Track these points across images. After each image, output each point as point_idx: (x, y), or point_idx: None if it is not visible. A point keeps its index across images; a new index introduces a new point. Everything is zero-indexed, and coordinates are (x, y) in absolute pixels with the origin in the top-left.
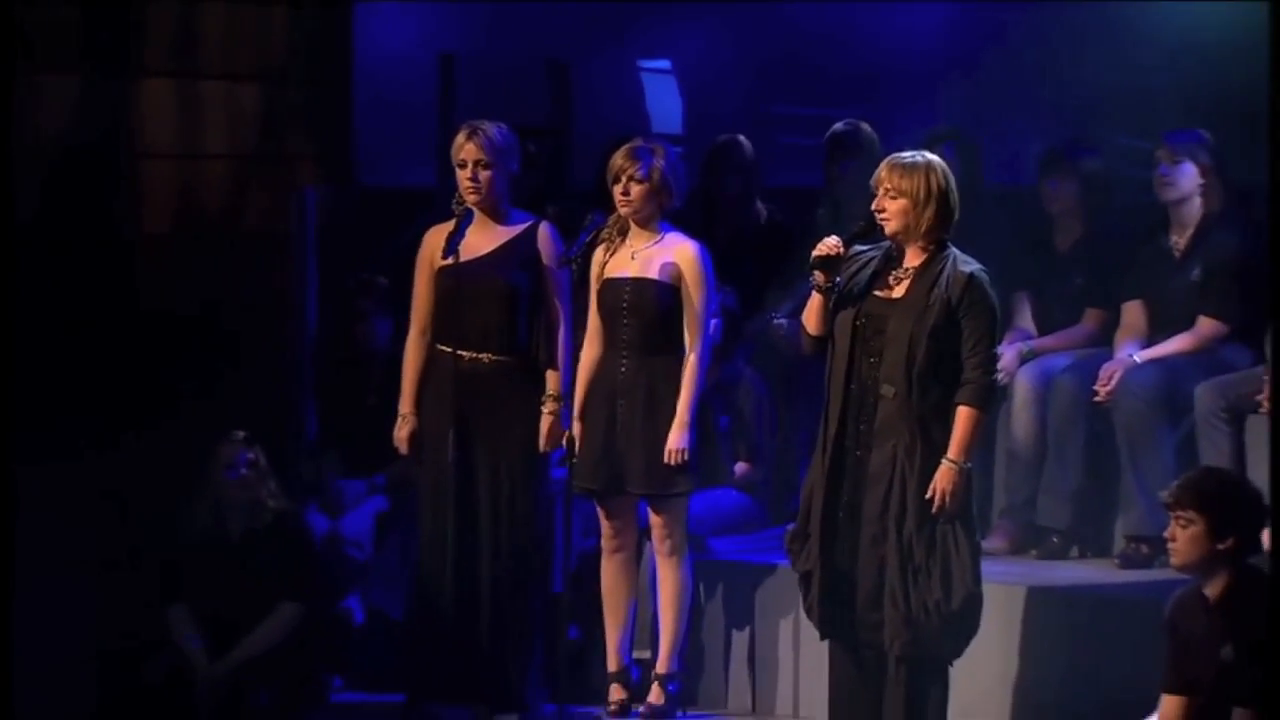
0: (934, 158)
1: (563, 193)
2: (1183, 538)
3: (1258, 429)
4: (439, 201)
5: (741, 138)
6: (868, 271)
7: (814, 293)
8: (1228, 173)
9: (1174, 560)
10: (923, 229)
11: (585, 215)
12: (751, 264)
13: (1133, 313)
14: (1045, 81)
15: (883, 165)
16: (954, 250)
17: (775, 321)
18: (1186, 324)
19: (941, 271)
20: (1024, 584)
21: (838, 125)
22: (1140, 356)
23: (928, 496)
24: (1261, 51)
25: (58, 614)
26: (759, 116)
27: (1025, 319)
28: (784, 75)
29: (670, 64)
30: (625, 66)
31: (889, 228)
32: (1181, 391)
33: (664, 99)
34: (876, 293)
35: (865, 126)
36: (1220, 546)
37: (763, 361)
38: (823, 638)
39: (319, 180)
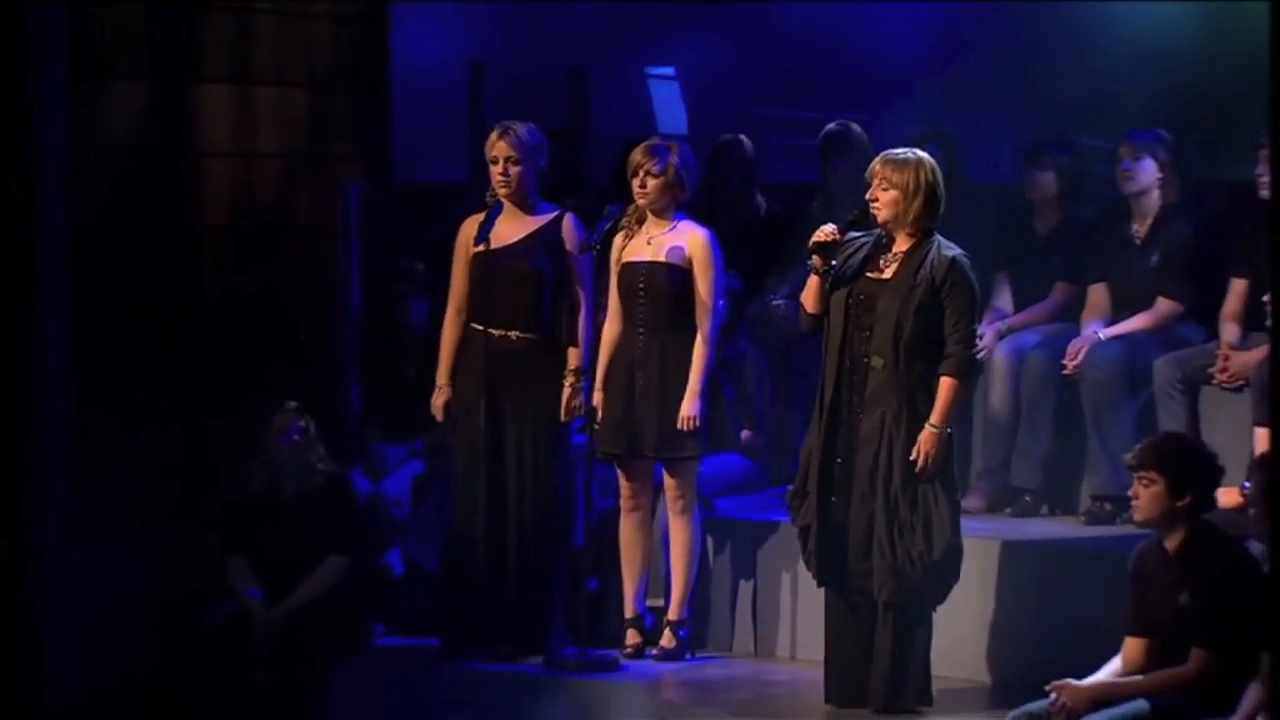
0: (924, 155)
1: (580, 188)
2: (1145, 496)
3: (1210, 398)
4: (469, 195)
5: (743, 137)
6: (860, 255)
7: (812, 274)
8: (1183, 168)
9: (1137, 516)
10: (911, 217)
11: (602, 208)
12: (752, 252)
13: (1098, 294)
14: (1016, 86)
15: (877, 160)
16: (939, 237)
17: (774, 303)
18: (1146, 304)
19: (927, 256)
20: (999, 539)
21: (830, 126)
22: (1104, 334)
23: (912, 458)
24: (1216, 56)
25: (127, 566)
26: (754, 118)
27: (1004, 299)
28: (777, 81)
29: (674, 70)
30: (634, 73)
31: (881, 216)
32: (1141, 365)
33: (669, 102)
34: (868, 274)
35: (855, 127)
36: (1179, 503)
37: (764, 339)
38: (819, 585)
39: (361, 177)
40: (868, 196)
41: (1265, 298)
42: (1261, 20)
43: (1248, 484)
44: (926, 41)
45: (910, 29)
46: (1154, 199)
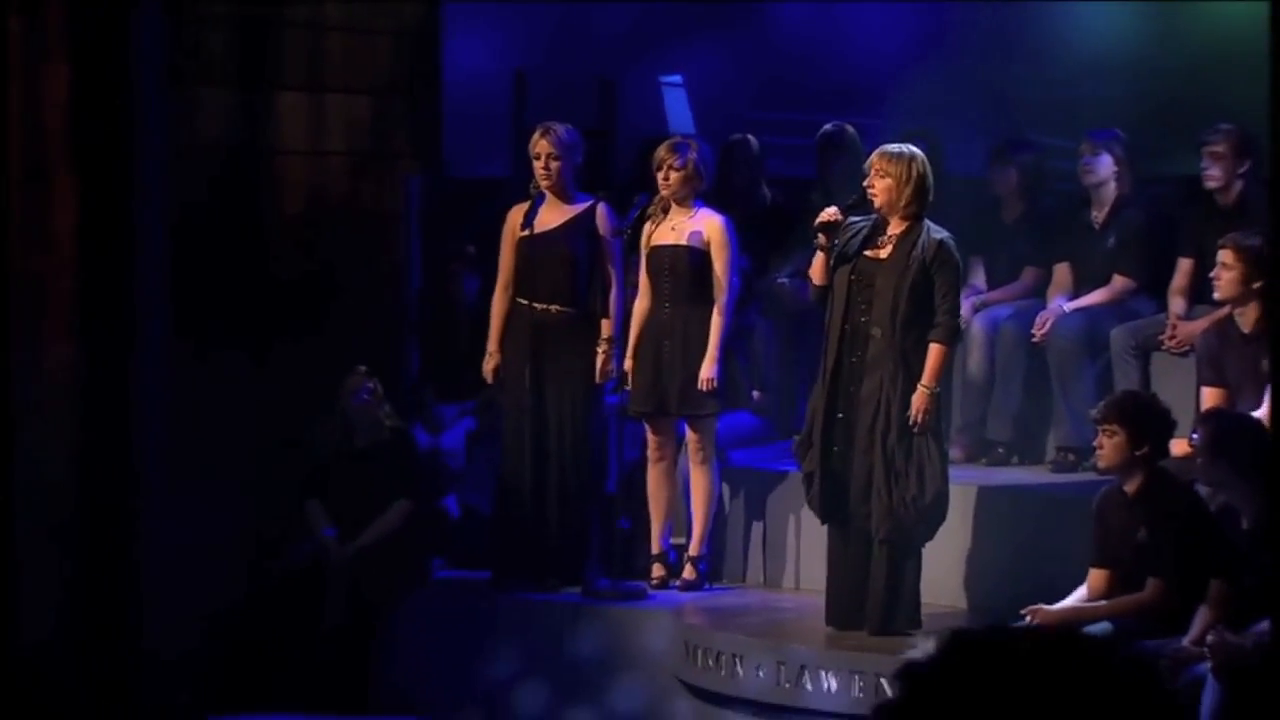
0: (916, 149)
1: (609, 181)
2: (1108, 446)
3: (1160, 362)
4: (511, 187)
5: (750, 136)
6: (859, 237)
7: (818, 252)
8: (1136, 163)
9: (1101, 463)
10: (903, 204)
11: (629, 198)
12: (759, 237)
13: (1062, 272)
14: (985, 92)
15: (875, 153)
16: (928, 221)
17: (779, 281)
18: (1104, 281)
19: (918, 238)
20: (976, 485)
21: (827, 126)
22: (1068, 307)
23: (908, 414)
24: (1166, 64)
25: (219, 510)
26: (751, 120)
27: (979, 277)
28: (772, 87)
29: (682, 78)
30: (649, 81)
31: (877, 202)
32: (1100, 334)
33: (678, 106)
34: (866, 254)
35: (849, 128)
36: (1137, 452)
37: (771, 313)
38: (823, 523)
39: (417, 171)
40: (865, 185)
41: (1211, 274)
42: (1205, 33)
43: (1195, 435)
44: (905, 53)
45: (890, 42)
46: (1111, 189)
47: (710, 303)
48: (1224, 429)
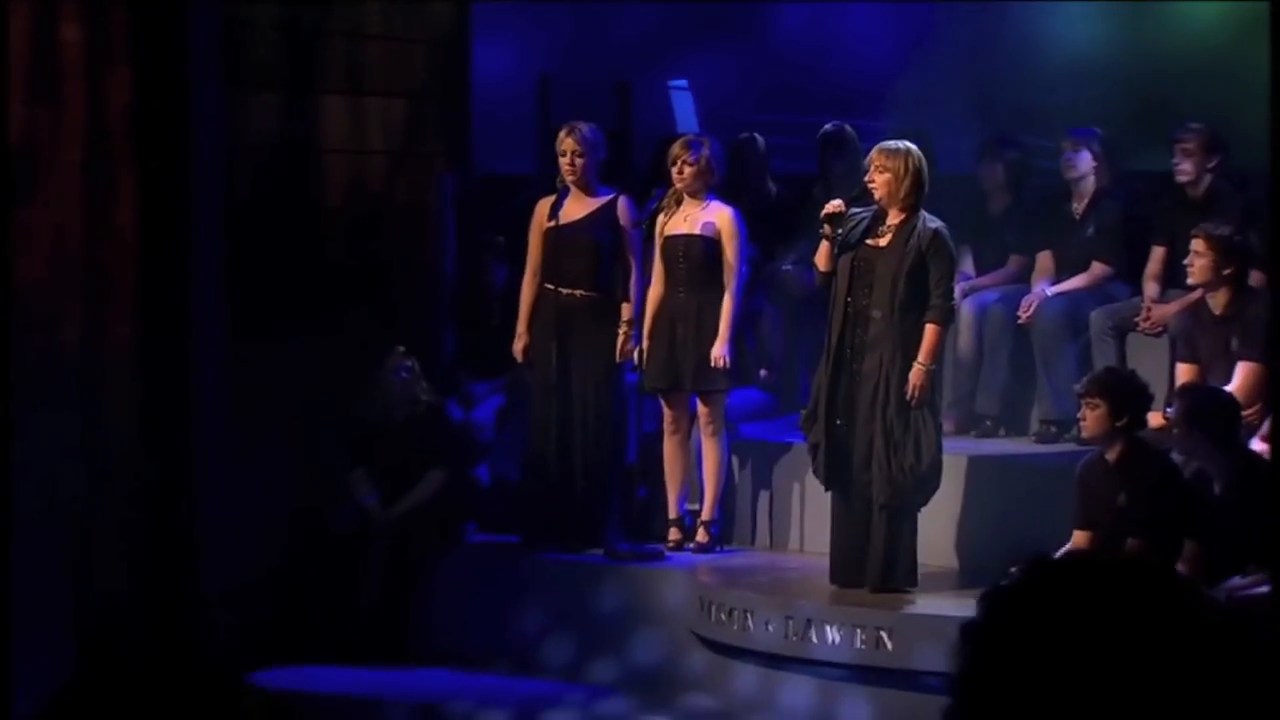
0: (913, 145)
1: (625, 178)
2: (1091, 417)
3: (1135, 342)
4: (536, 182)
5: (757, 135)
6: (861, 227)
7: (823, 241)
8: (1114, 159)
9: (1084, 433)
10: (901, 196)
11: (646, 192)
12: (766, 227)
13: (1045, 259)
14: (973, 94)
15: (875, 149)
16: (924, 212)
17: (784, 269)
18: (1083, 267)
19: (915, 228)
20: (966, 455)
21: (828, 126)
22: (1051, 291)
23: (905, 389)
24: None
25: (270, 477)
26: (754, 121)
27: (968, 265)
28: (773, 90)
29: (687, 82)
30: (660, 84)
31: (877, 195)
32: (1081, 316)
33: (684, 107)
34: (868, 242)
35: (848, 127)
36: (1118, 423)
37: (777, 298)
38: (827, 490)
39: (449, 168)
40: (866, 179)
41: (1185, 261)
42: (1174, 39)
43: (1170, 409)
44: (897, 59)
45: (882, 49)
46: (1090, 183)
47: (720, 288)
48: (1199, 402)
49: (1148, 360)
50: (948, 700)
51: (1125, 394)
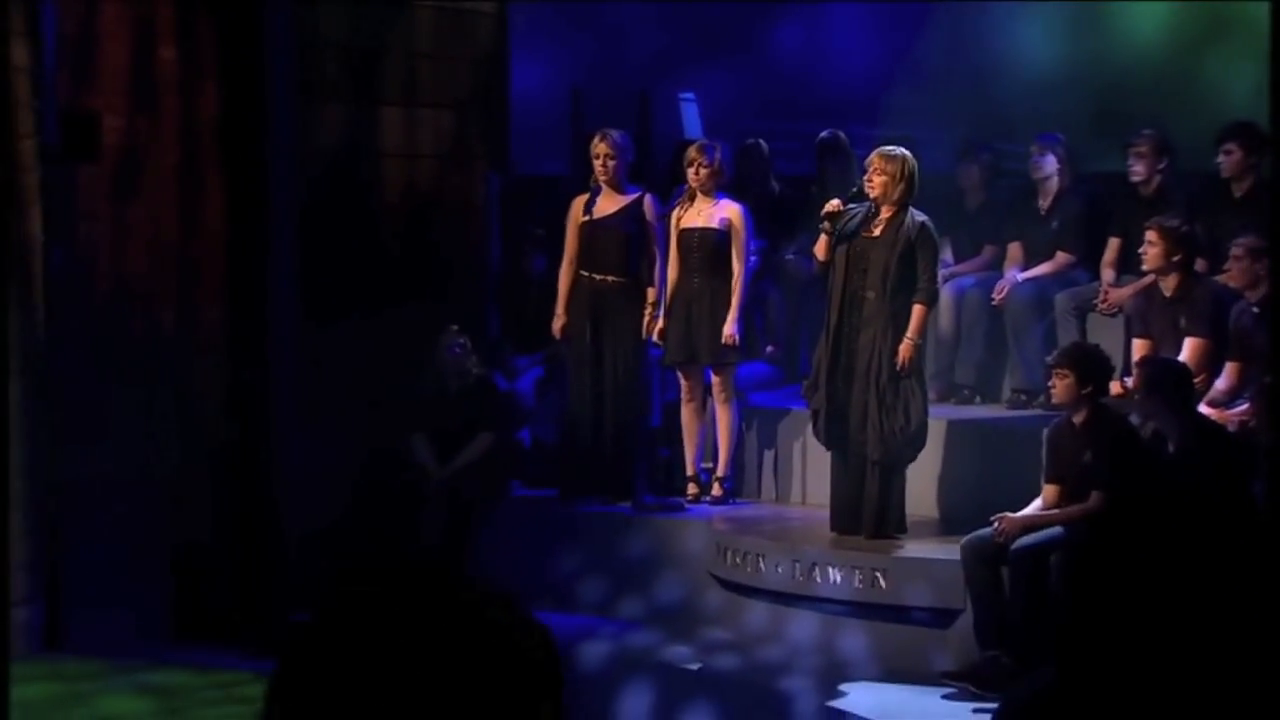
0: (906, 151)
1: (647, 178)
2: (1060, 386)
3: (1094, 321)
4: (569, 182)
5: (761, 141)
6: (857, 220)
7: (822, 234)
8: (1075, 161)
9: (1054, 399)
10: (894, 195)
11: (668, 191)
12: (769, 222)
13: (1015, 249)
14: (951, 105)
15: (875, 152)
16: (912, 208)
17: (787, 258)
18: (1049, 256)
19: (904, 221)
20: (946, 420)
21: (824, 133)
22: (1020, 277)
23: (895, 361)
24: (1098, 83)
25: (342, 439)
26: (752, 128)
27: (947, 253)
28: (771, 102)
29: (694, 94)
30: (670, 95)
31: (873, 193)
32: (1047, 298)
33: (691, 116)
34: (863, 234)
35: (842, 135)
36: (1084, 391)
37: (781, 283)
38: (827, 449)
39: (491, 170)
40: (865, 178)
41: (1140, 250)
42: (1127, 57)
43: (1127, 378)
44: (882, 74)
45: (868, 65)
46: (1054, 182)
47: (730, 274)
48: (1157, 371)
49: (1105, 337)
50: None
51: (1090, 366)
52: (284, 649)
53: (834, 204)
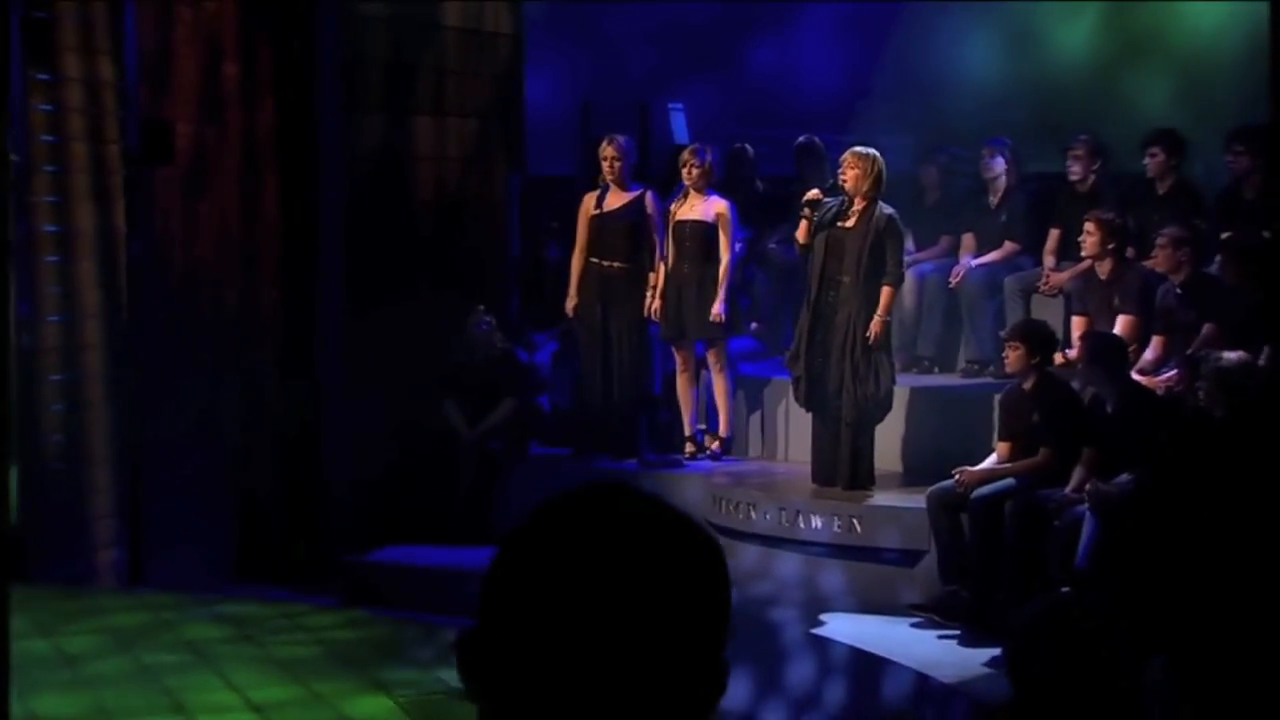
0: (878, 152)
1: (647, 177)
2: (1012, 356)
3: (1038, 302)
4: (579, 181)
5: (747, 145)
6: (833, 212)
7: (802, 221)
8: (1021, 161)
9: (1007, 368)
10: (865, 190)
11: (666, 190)
12: (754, 215)
13: (968, 239)
14: (911, 114)
15: (848, 151)
16: (881, 202)
17: (770, 247)
18: (999, 245)
19: (875, 213)
20: (909, 387)
21: (801, 138)
22: (974, 263)
23: (867, 335)
24: (1040, 94)
25: (383, 402)
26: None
27: (910, 243)
28: (747, 110)
29: (682, 105)
30: (662, 106)
31: (847, 187)
32: (996, 282)
33: (679, 125)
34: (838, 224)
35: (817, 139)
36: (1033, 361)
37: (765, 268)
38: (807, 411)
39: (511, 171)
40: (839, 173)
41: (1079, 239)
42: (1063, 73)
43: (1069, 350)
44: (849, 87)
45: (838, 79)
46: (1003, 181)
47: (718, 261)
48: (1098, 343)
49: (1048, 315)
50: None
51: (1039, 339)
52: (498, 551)
53: (815, 192)
